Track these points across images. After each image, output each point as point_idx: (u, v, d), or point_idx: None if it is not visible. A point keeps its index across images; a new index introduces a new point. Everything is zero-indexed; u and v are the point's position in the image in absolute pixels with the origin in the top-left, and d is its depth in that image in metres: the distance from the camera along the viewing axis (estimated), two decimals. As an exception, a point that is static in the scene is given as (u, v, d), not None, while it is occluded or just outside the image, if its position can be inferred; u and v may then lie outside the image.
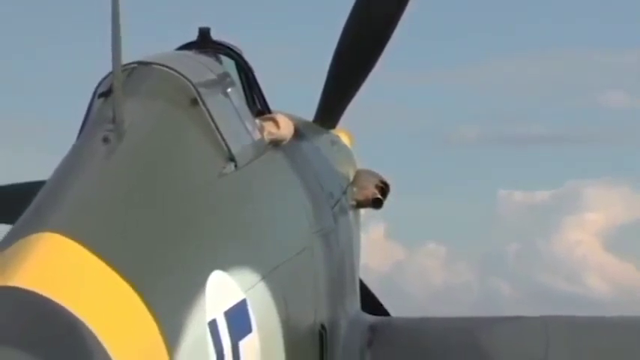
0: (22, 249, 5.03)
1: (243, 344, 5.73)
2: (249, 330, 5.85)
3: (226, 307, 5.69)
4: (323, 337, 7.08)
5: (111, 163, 5.83)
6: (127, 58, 6.12)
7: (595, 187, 24.29)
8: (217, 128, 6.60)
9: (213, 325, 5.52)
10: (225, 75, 7.23)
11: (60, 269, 4.97)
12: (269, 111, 7.74)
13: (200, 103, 6.57)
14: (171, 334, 5.13)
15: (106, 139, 5.88)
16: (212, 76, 6.98)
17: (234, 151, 6.64)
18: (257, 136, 7.20)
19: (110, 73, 6.10)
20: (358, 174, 9.08)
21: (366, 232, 9.35)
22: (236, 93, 7.21)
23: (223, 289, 5.74)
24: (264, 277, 6.15)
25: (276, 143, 7.49)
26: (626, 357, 7.44)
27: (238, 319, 5.76)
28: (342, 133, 9.25)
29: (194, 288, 5.53)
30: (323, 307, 7.26)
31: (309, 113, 8.83)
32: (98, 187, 5.73)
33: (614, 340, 7.61)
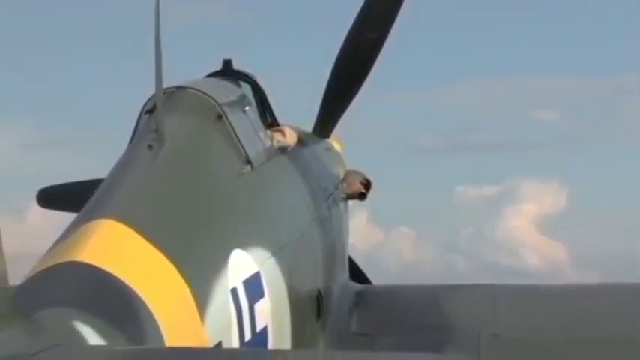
0: (86, 232, 5.03)
1: (257, 306, 5.72)
2: (262, 295, 5.84)
3: (244, 277, 5.68)
4: (320, 300, 7.07)
5: (154, 165, 5.82)
6: (167, 82, 6.13)
7: (531, 183, 24.30)
8: (237, 138, 6.59)
9: (234, 291, 5.51)
10: (244, 96, 7.23)
11: (115, 247, 4.98)
12: (277, 124, 7.74)
13: (224, 118, 6.57)
14: (202, 299, 5.12)
15: (150, 146, 5.88)
16: (233, 97, 6.98)
17: (250, 155, 6.63)
18: (268, 143, 7.20)
19: (154, 94, 6.11)
20: (347, 173, 9.07)
21: (353, 219, 9.33)
22: (252, 110, 7.20)
23: (242, 264, 5.74)
24: (273, 254, 6.14)
25: (283, 149, 7.49)
26: (556, 315, 7.41)
27: (254, 287, 5.76)
28: (334, 141, 9.24)
29: (219, 263, 5.52)
30: (320, 277, 7.26)
31: (308, 126, 8.82)
32: (144, 183, 5.72)
33: (547, 303, 7.60)
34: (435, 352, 6.47)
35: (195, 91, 6.62)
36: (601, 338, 7.06)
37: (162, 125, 5.93)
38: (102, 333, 4.27)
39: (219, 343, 5.18)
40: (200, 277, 5.21)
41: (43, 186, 10.44)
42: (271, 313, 5.91)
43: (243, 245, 5.81)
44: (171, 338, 4.65)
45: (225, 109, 6.64)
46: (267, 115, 7.70)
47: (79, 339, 4.19)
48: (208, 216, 5.82)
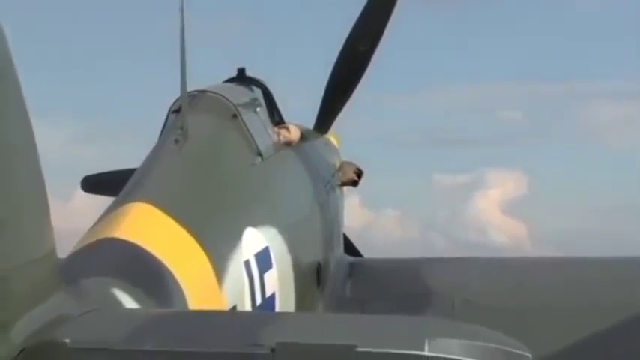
0: (122, 213, 5.03)
1: (266, 276, 5.72)
2: (270, 266, 5.83)
3: (256, 251, 5.68)
4: (320, 271, 7.07)
5: (180, 157, 5.81)
6: (190, 86, 6.12)
7: (496, 173, 24.32)
8: (250, 134, 6.58)
9: (247, 263, 5.50)
10: (255, 99, 7.21)
11: (146, 226, 4.97)
12: (283, 122, 7.73)
13: (238, 117, 6.55)
14: (219, 269, 5.12)
15: (176, 141, 5.87)
16: (246, 100, 6.96)
17: (260, 149, 6.62)
18: (275, 139, 7.19)
19: (180, 97, 6.10)
20: (342, 164, 9.06)
21: (348, 203, 9.32)
22: (262, 110, 7.19)
23: (253, 240, 5.73)
24: (280, 232, 6.13)
25: (288, 144, 7.48)
26: (519, 284, 7.40)
27: (263, 259, 5.75)
28: (332, 136, 9.23)
29: (234, 239, 5.52)
30: (320, 251, 7.26)
31: (310, 123, 8.81)
32: (171, 172, 5.71)
33: (511, 273, 7.58)
34: (417, 315, 6.46)
35: (214, 94, 6.61)
36: (557, 304, 7.05)
37: (187, 123, 5.92)
38: (136, 298, 4.27)
39: (235, 307, 5.18)
40: (218, 251, 5.21)
41: (87, 174, 10.46)
42: (278, 282, 5.91)
43: (254, 224, 5.81)
44: (194, 303, 4.65)
45: (240, 109, 6.63)
46: (275, 115, 7.68)
47: (117, 303, 4.19)
48: (225, 199, 5.82)
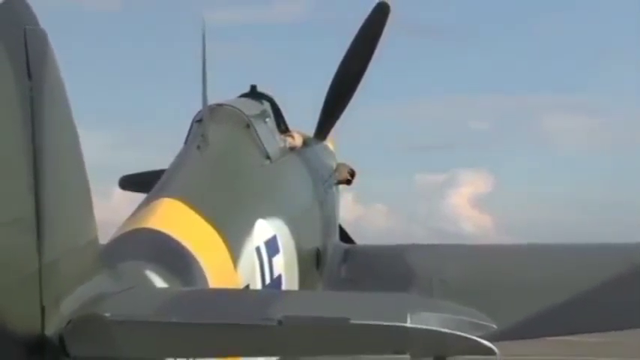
0: (153, 207, 5.05)
1: (274, 260, 5.74)
2: (278, 252, 5.86)
3: (265, 239, 5.70)
4: (319, 256, 7.09)
5: (201, 160, 5.84)
6: (210, 100, 6.13)
7: (467, 173, 24.45)
8: (260, 140, 6.60)
9: (258, 249, 5.53)
10: (265, 111, 7.23)
11: (173, 218, 5.00)
12: (289, 130, 7.74)
13: (251, 126, 6.58)
14: (235, 255, 5.15)
15: (199, 147, 5.90)
16: (257, 112, 6.98)
17: (269, 153, 6.64)
18: (282, 144, 7.21)
19: (201, 109, 6.12)
20: (338, 165, 9.06)
21: (342, 198, 9.31)
22: (270, 121, 7.21)
23: (263, 229, 5.76)
24: (286, 223, 6.16)
25: (292, 149, 7.50)
26: (487, 266, 7.37)
27: (272, 246, 5.77)
28: (329, 141, 9.22)
29: (247, 229, 5.54)
30: (319, 239, 7.27)
31: (311, 130, 8.81)
32: (194, 173, 5.74)
33: (480, 257, 7.56)
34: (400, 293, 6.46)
35: (231, 107, 6.64)
36: (519, 283, 7.04)
37: (207, 131, 5.95)
38: (165, 279, 4.30)
39: (248, 286, 5.21)
40: (234, 239, 5.23)
41: (124, 174, 10.47)
42: (284, 265, 5.93)
43: (264, 216, 5.83)
44: (213, 282, 4.68)
45: (252, 120, 6.66)
46: (282, 124, 7.69)
47: (149, 283, 4.22)
48: (239, 195, 5.84)
